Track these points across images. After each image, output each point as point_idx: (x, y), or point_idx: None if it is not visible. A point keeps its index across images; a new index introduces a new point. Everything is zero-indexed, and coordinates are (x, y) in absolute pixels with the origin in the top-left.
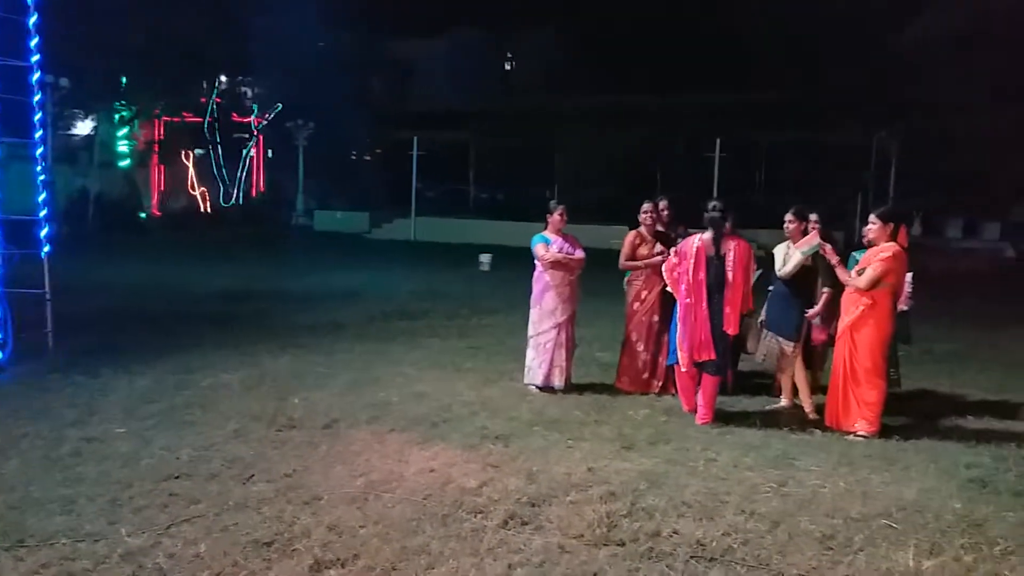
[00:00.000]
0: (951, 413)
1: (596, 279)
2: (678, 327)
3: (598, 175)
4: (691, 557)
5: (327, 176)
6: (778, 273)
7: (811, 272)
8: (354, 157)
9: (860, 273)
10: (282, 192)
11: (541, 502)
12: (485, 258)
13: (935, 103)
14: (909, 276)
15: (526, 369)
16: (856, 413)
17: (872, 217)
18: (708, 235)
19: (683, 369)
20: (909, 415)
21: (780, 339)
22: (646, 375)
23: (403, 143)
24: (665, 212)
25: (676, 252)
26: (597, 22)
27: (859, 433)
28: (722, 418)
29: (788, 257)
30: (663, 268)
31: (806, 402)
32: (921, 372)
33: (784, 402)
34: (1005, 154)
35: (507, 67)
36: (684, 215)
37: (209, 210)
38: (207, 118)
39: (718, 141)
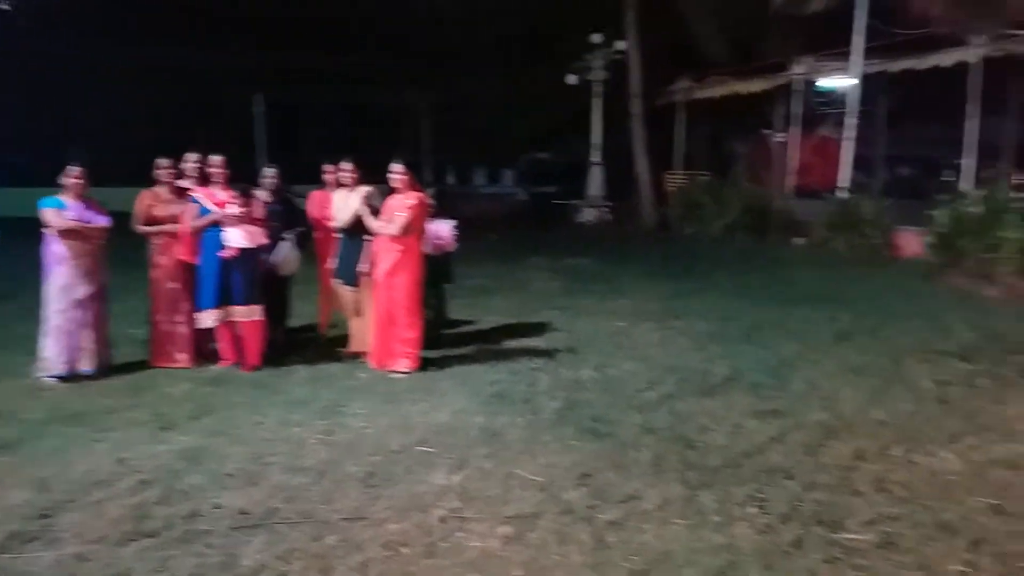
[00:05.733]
0: (479, 340)
1: (133, 248)
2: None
3: (131, 134)
4: (233, 529)
5: None
6: (335, 222)
7: None
8: None
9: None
10: None
11: (55, 511)
12: None
13: (459, 65)
14: (452, 221)
15: (41, 359)
16: (398, 352)
17: (396, 167)
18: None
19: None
20: (445, 347)
21: (343, 285)
22: (170, 347)
23: None
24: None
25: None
26: None
27: (401, 371)
28: (271, 376)
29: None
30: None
31: (363, 343)
32: (455, 306)
33: (347, 349)
34: (513, 110)
35: (6, 7)
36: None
37: None
38: None
39: (258, 98)
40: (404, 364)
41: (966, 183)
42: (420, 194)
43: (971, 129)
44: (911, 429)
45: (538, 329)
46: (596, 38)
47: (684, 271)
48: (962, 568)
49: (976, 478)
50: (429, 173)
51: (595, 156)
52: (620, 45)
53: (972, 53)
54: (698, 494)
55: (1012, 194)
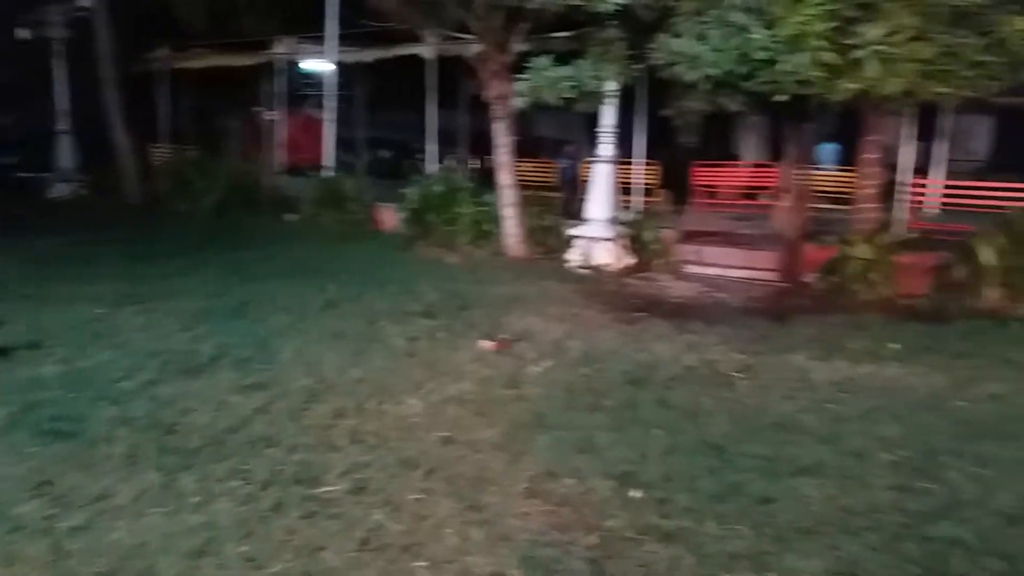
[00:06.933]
0: None
1: None
2: None
3: None
4: None
5: None
6: None
7: None
8: None
9: None
10: None
11: None
12: None
13: None
14: None
15: None
16: None
17: None
18: None
19: None
20: None
21: None
22: None
23: None
24: None
25: None
26: None
27: None
28: None
29: None
30: None
31: None
32: None
33: None
34: None
35: None
36: None
37: None
38: None
39: None
40: None
41: (431, 165)
42: None
43: (431, 118)
44: (384, 383)
45: None
46: None
47: (173, 250)
48: (419, 496)
49: (433, 417)
50: None
51: (63, 124)
52: (84, 1)
53: (427, 50)
54: (177, 478)
55: (467, 175)
